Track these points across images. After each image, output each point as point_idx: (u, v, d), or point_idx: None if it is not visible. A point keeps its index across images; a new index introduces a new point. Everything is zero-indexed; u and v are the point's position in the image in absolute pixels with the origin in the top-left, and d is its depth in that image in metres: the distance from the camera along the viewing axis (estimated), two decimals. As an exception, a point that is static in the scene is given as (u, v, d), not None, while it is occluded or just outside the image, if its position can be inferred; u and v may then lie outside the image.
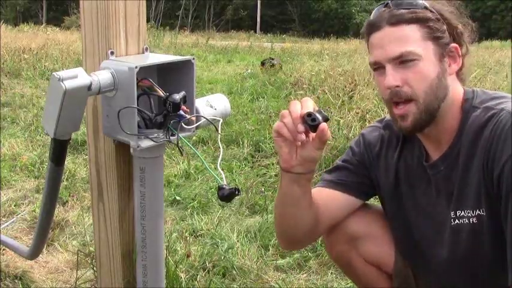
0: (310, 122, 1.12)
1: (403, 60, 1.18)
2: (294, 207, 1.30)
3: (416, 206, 1.34)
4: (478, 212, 1.19)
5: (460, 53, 1.22)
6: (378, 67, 1.23)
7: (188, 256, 2.10)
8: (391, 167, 1.37)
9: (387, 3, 1.23)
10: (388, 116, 1.38)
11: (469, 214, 1.21)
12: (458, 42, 1.23)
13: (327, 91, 5.60)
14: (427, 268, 1.37)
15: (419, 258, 1.38)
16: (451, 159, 1.23)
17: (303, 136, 1.15)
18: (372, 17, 1.26)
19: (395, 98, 1.20)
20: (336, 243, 1.48)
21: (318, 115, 1.12)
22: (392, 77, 1.18)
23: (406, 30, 1.18)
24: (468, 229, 1.22)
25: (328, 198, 1.40)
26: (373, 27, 1.22)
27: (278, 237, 1.48)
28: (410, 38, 1.18)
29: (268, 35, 25.23)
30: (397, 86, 1.18)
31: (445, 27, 1.20)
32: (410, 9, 1.19)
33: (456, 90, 1.25)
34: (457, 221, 1.23)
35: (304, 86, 6.26)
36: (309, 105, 1.15)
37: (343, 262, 1.52)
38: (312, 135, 1.16)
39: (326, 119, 1.13)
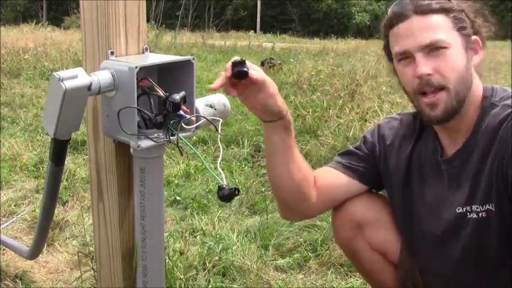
0: (237, 69, 1.17)
1: (433, 48, 1.18)
2: (276, 155, 1.35)
3: (425, 200, 1.34)
4: (487, 206, 1.19)
5: (481, 46, 1.24)
6: (404, 57, 1.23)
7: (182, 254, 2.09)
8: (404, 159, 1.38)
9: None
10: (407, 109, 1.39)
11: (478, 209, 1.21)
12: (478, 35, 1.24)
13: (328, 91, 5.61)
14: (432, 260, 1.38)
15: (425, 251, 1.39)
16: (466, 155, 1.24)
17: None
18: (393, 9, 1.26)
19: (425, 88, 1.20)
20: (342, 229, 1.50)
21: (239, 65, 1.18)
22: (423, 65, 1.18)
23: (436, 20, 1.19)
24: (476, 223, 1.22)
25: (332, 177, 1.45)
26: (399, 17, 1.22)
27: (276, 202, 1.52)
28: (440, 27, 1.19)
29: (268, 35, 25.20)
30: (429, 75, 1.18)
31: (467, 19, 1.22)
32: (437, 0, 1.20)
33: (476, 85, 1.25)
34: (468, 215, 1.23)
35: (304, 86, 6.26)
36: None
37: (350, 249, 1.54)
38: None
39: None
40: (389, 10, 1.29)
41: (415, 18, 1.20)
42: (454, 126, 1.25)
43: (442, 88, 1.19)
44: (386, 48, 1.32)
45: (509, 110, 1.17)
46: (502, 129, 1.16)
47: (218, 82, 1.18)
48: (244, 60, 1.18)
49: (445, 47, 1.18)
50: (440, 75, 1.18)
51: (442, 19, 1.20)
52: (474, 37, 1.23)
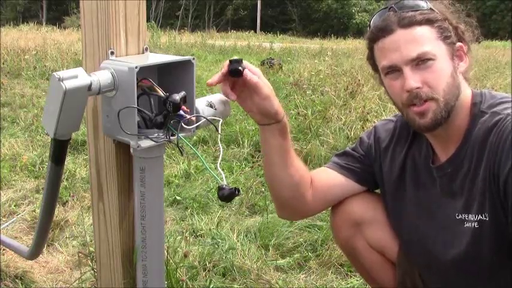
0: (232, 67, 1.22)
1: (420, 61, 1.19)
2: (273, 157, 1.35)
3: (420, 205, 1.35)
4: (480, 217, 1.20)
5: (466, 52, 1.24)
6: (391, 71, 1.23)
7: (186, 256, 2.10)
8: (397, 162, 1.39)
9: (391, 7, 1.23)
10: None
11: (472, 218, 1.22)
12: (462, 41, 1.25)
13: (328, 91, 5.61)
14: (428, 266, 1.38)
15: (421, 256, 1.39)
16: (457, 162, 1.24)
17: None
18: (376, 22, 1.25)
19: (415, 100, 1.20)
20: (341, 228, 1.51)
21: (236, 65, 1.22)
22: (412, 79, 1.19)
23: (421, 32, 1.20)
24: (471, 233, 1.23)
25: (329, 177, 1.46)
26: (384, 31, 1.22)
27: (273, 202, 1.53)
28: (425, 39, 1.19)
29: (268, 35, 25.20)
30: (418, 88, 1.19)
31: (450, 27, 1.22)
32: (418, 11, 1.20)
33: (465, 91, 1.25)
34: (465, 224, 1.24)
35: (304, 86, 6.25)
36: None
37: (349, 248, 1.54)
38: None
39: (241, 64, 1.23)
40: (371, 23, 1.29)
41: (400, 32, 1.20)
42: (443, 133, 1.26)
43: (431, 99, 1.20)
44: (371, 60, 1.32)
45: (498, 117, 1.17)
46: (491, 136, 1.16)
47: (215, 78, 1.21)
48: (241, 60, 1.20)
49: (431, 59, 1.19)
50: (429, 88, 1.19)
51: (426, 30, 1.20)
52: (458, 44, 1.24)
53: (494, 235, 1.19)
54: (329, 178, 1.46)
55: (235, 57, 1.22)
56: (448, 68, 1.20)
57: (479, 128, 1.20)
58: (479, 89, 1.29)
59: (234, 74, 1.21)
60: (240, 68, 1.20)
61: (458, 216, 1.24)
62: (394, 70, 1.22)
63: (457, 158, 1.24)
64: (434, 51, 1.19)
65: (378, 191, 1.53)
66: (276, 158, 1.35)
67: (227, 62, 1.21)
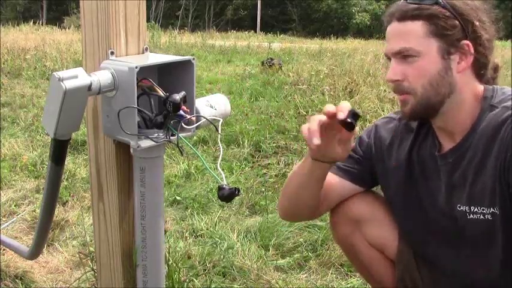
0: (351, 119, 1.15)
1: (403, 56, 1.21)
2: (310, 183, 1.37)
3: (429, 196, 1.34)
4: (492, 209, 1.20)
5: (472, 50, 1.20)
6: (388, 59, 1.28)
7: (189, 257, 2.10)
8: (403, 157, 1.39)
9: None
10: None
11: (484, 211, 1.21)
12: (474, 38, 1.21)
13: (326, 91, 5.61)
14: (433, 258, 1.38)
15: (427, 249, 1.39)
16: (460, 153, 1.24)
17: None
18: (391, 8, 1.28)
19: (395, 91, 1.26)
20: (340, 225, 1.52)
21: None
22: (393, 71, 1.23)
23: (409, 27, 1.21)
24: (482, 225, 1.22)
25: (331, 181, 1.46)
26: (387, 20, 1.26)
27: (280, 208, 1.55)
28: (412, 35, 1.20)
29: (269, 35, 25.18)
30: (397, 80, 1.23)
31: (456, 22, 1.19)
32: (419, 4, 1.20)
33: (470, 87, 1.24)
34: (471, 216, 1.23)
35: (304, 86, 6.25)
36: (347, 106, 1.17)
37: (347, 245, 1.55)
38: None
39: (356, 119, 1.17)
40: None
41: (394, 24, 1.24)
42: (446, 125, 1.26)
43: (408, 93, 1.23)
44: None
45: (509, 112, 1.17)
46: (502, 131, 1.15)
47: (332, 111, 1.15)
48: (359, 115, 1.17)
49: (413, 55, 1.20)
50: (408, 82, 1.22)
51: (418, 26, 1.20)
52: (464, 41, 1.20)
53: (505, 229, 1.19)
54: (328, 180, 1.46)
55: (355, 109, 1.15)
56: (433, 66, 1.20)
57: (489, 122, 1.19)
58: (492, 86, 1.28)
59: (348, 127, 1.15)
60: (355, 123, 1.14)
61: (460, 207, 1.24)
62: (389, 59, 1.27)
63: (460, 148, 1.24)
64: (418, 48, 1.19)
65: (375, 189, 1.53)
66: (313, 184, 1.37)
67: (346, 107, 1.14)
